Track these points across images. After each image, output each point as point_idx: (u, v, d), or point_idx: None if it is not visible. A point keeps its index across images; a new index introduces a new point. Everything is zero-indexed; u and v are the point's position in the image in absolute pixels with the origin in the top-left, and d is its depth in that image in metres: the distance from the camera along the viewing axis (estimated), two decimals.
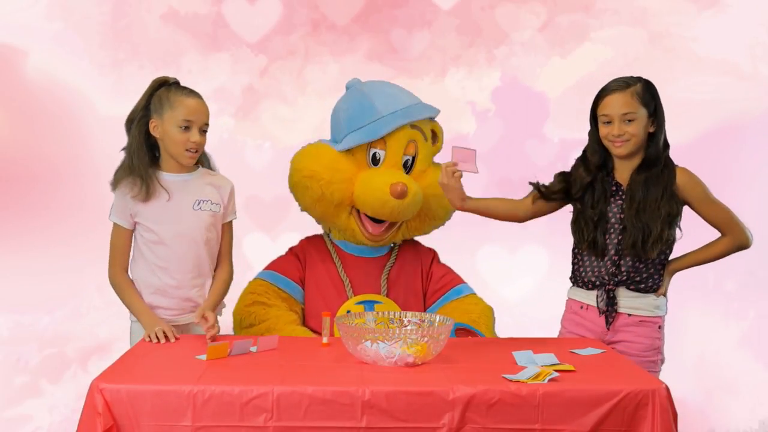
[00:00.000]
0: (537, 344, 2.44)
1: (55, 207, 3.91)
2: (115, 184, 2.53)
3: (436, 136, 2.95)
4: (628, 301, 2.58)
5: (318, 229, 3.01)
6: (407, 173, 2.85)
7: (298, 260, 2.92)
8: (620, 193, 2.58)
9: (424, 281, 2.94)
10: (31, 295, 3.87)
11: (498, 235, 4.00)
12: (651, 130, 2.54)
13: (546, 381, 2.04)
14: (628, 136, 2.51)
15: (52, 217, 3.90)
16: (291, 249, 2.97)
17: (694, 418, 3.71)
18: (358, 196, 2.78)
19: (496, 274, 3.90)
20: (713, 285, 3.98)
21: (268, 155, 4.04)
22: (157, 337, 2.40)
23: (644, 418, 2.00)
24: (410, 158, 2.86)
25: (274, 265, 2.92)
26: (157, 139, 2.54)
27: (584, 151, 2.64)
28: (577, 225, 2.63)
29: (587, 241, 2.59)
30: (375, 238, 2.85)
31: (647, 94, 2.53)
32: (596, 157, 2.60)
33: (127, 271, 2.57)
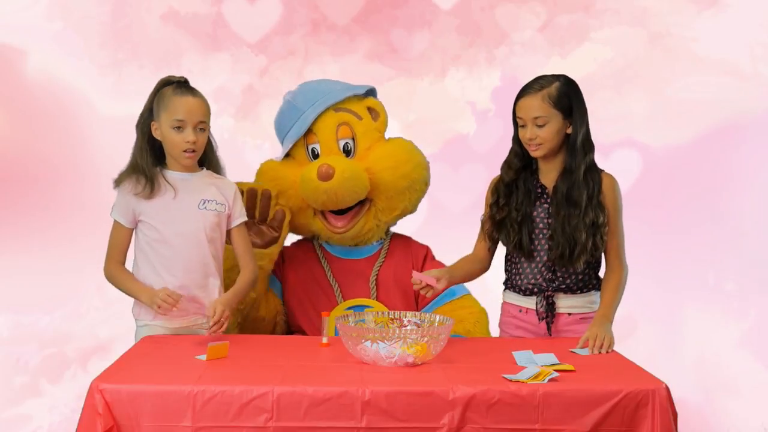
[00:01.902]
0: (537, 344, 2.44)
1: (55, 207, 3.91)
2: (118, 182, 2.53)
3: (375, 112, 2.92)
4: (565, 301, 2.57)
5: None
6: (351, 156, 2.84)
7: (281, 258, 2.92)
8: (545, 196, 2.56)
9: None
10: (31, 295, 3.87)
11: None
12: (568, 131, 2.50)
13: (546, 381, 2.04)
14: (540, 140, 2.48)
15: (52, 217, 3.90)
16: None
17: (694, 418, 3.71)
18: (301, 194, 2.80)
19: (496, 274, 3.89)
20: (713, 285, 3.99)
21: (268, 155, 4.01)
22: (165, 304, 2.40)
23: (644, 418, 2.00)
24: (349, 141, 2.85)
25: None
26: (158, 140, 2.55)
27: (509, 152, 2.62)
28: (502, 226, 2.59)
29: (513, 242, 2.57)
30: (342, 230, 2.83)
31: (562, 96, 2.47)
32: (518, 157, 2.58)
33: (123, 265, 2.56)
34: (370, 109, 2.92)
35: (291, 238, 3.02)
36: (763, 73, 4.03)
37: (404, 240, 2.99)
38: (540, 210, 2.56)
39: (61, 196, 3.91)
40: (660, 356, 3.69)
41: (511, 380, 2.04)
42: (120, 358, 2.25)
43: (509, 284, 2.66)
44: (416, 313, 2.46)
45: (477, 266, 2.68)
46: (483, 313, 2.87)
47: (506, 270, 2.67)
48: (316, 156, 2.84)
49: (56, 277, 3.84)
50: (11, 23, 3.92)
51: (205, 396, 1.95)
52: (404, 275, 2.87)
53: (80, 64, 3.97)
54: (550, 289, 2.56)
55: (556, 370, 2.11)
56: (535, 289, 2.58)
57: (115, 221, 2.55)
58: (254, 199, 2.82)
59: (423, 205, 3.03)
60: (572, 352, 2.36)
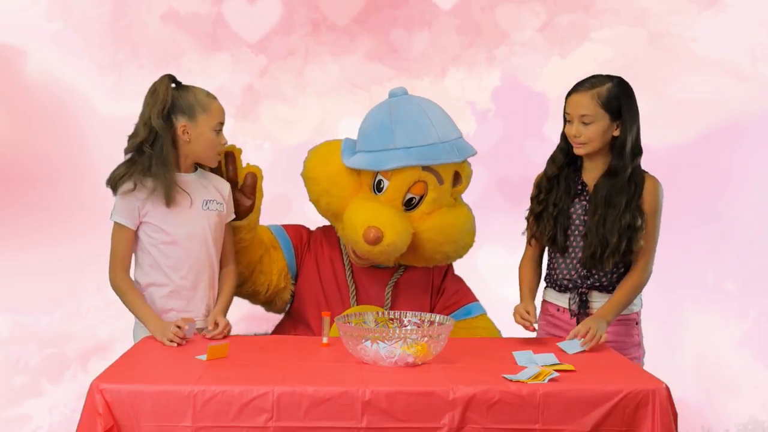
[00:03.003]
0: (537, 344, 2.44)
1: (55, 207, 3.91)
2: (117, 185, 2.49)
3: (459, 179, 2.77)
4: (601, 300, 2.57)
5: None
6: (409, 209, 2.71)
7: (308, 239, 2.87)
8: (585, 193, 2.57)
9: (434, 296, 2.87)
10: (31, 295, 3.87)
11: (498, 235, 4.00)
12: (615, 134, 2.49)
13: (546, 381, 2.04)
14: (585, 138, 2.48)
15: (52, 217, 3.89)
16: (308, 229, 2.93)
17: (694, 418, 3.71)
18: (343, 225, 2.71)
19: (496, 274, 3.89)
20: (713, 285, 3.99)
21: (268, 155, 4.03)
22: (177, 338, 2.38)
23: (644, 418, 2.00)
24: (416, 198, 2.70)
25: (285, 225, 2.90)
26: (179, 140, 2.52)
27: (556, 147, 2.63)
28: (539, 220, 2.60)
29: (547, 237, 2.58)
30: (359, 263, 2.78)
31: (612, 98, 2.46)
32: (563, 153, 2.58)
33: (128, 273, 2.54)
34: (456, 174, 2.76)
35: (317, 222, 2.94)
36: (763, 73, 4.03)
37: None
38: (578, 207, 2.57)
39: (61, 196, 3.91)
40: (660, 356, 3.69)
41: (511, 380, 2.04)
42: (120, 358, 2.25)
43: (548, 280, 2.67)
44: (416, 313, 2.45)
45: (538, 269, 2.68)
46: (496, 334, 2.84)
47: (547, 266, 2.68)
48: (380, 188, 2.70)
49: (56, 277, 3.84)
50: (11, 23, 3.92)
51: (206, 396, 1.95)
52: (421, 289, 2.85)
53: (80, 64, 3.97)
54: (584, 286, 2.56)
55: (557, 370, 2.11)
56: (570, 285, 2.59)
57: (117, 224, 2.51)
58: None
59: None
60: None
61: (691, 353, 3.93)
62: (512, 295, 3.90)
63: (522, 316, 2.48)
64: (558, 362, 2.19)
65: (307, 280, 2.84)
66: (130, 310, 2.53)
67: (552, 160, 2.62)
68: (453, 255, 2.83)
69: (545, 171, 2.63)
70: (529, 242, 2.67)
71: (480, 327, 2.82)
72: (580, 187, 2.58)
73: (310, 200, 2.85)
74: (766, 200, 3.97)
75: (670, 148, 3.98)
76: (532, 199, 2.65)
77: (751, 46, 4.04)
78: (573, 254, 2.58)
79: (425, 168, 2.67)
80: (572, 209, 2.57)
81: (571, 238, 2.57)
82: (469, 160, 2.83)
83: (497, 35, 4.12)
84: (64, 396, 3.77)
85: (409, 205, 2.72)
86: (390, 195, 2.69)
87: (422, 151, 2.65)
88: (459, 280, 2.93)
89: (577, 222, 2.57)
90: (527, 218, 2.66)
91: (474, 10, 4.13)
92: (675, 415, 2.04)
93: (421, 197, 2.71)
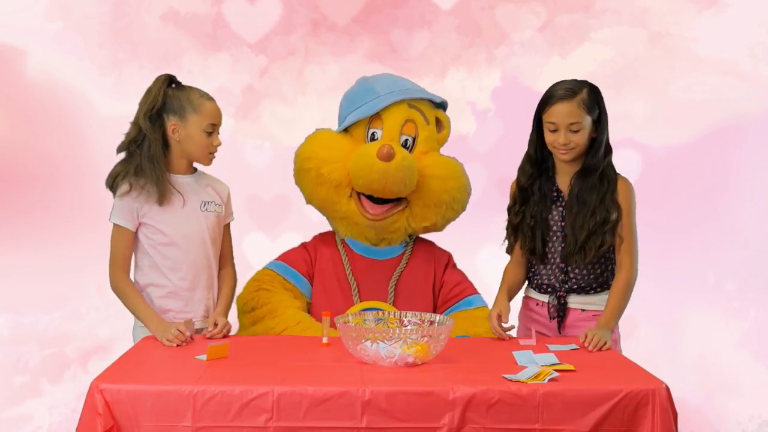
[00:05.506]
0: (537, 344, 2.44)
1: (55, 207, 3.91)
2: (115, 185, 2.49)
3: (441, 124, 2.90)
4: (578, 302, 2.58)
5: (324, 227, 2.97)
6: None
7: (308, 254, 2.88)
8: (560, 200, 2.58)
9: (436, 287, 2.88)
10: (31, 295, 3.87)
11: (498, 235, 4.00)
12: (594, 135, 2.53)
13: (546, 381, 2.04)
14: (573, 144, 2.51)
15: (52, 217, 3.90)
16: (304, 243, 2.94)
17: (694, 418, 3.71)
18: (351, 168, 2.73)
19: (496, 275, 3.89)
20: (713, 285, 3.99)
21: (268, 155, 4.04)
22: (177, 340, 2.37)
23: (644, 418, 2.00)
24: (410, 138, 2.81)
25: (283, 257, 2.90)
26: (170, 140, 2.52)
27: (524, 156, 2.64)
28: (518, 231, 2.62)
29: (527, 248, 2.60)
30: (376, 218, 2.77)
31: (592, 101, 2.51)
32: (531, 162, 2.60)
33: (128, 275, 2.55)
34: (437, 120, 2.89)
35: (302, 232, 2.96)
36: (763, 73, 4.04)
37: (427, 245, 2.95)
38: (555, 213, 2.58)
39: (61, 196, 3.91)
40: (660, 356, 3.70)
41: (511, 380, 2.04)
42: (120, 358, 2.25)
43: (530, 281, 2.69)
44: (416, 313, 2.45)
45: (523, 271, 2.69)
46: None
47: (529, 269, 2.69)
48: (374, 139, 2.80)
49: (56, 277, 3.85)
50: (11, 23, 3.92)
51: (205, 396, 1.95)
52: (423, 281, 2.86)
53: (80, 64, 3.98)
54: (563, 289, 2.57)
55: (556, 370, 2.11)
56: (549, 289, 2.60)
57: (117, 226, 2.51)
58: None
59: None
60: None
61: (691, 353, 3.93)
62: None
63: (494, 328, 2.52)
64: (558, 362, 2.19)
65: (316, 288, 2.86)
66: (131, 311, 2.53)
67: (521, 170, 2.63)
68: (458, 195, 2.84)
69: (517, 181, 2.64)
70: (508, 252, 2.69)
71: (481, 317, 2.81)
72: (555, 194, 2.59)
73: (308, 192, 2.84)
74: (766, 200, 3.98)
75: (670, 148, 3.99)
76: (508, 210, 2.67)
77: (751, 46, 4.05)
78: (552, 260, 2.59)
79: (411, 106, 2.81)
80: (549, 216, 2.59)
81: (549, 245, 2.59)
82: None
83: (497, 35, 4.13)
84: (64, 396, 3.77)
85: (406, 149, 2.80)
86: (386, 137, 2.78)
87: (402, 91, 2.83)
88: (460, 273, 2.94)
89: (554, 228, 2.59)
90: (506, 229, 2.67)
91: (474, 10, 4.13)
92: (675, 415, 2.04)
93: (414, 138, 2.81)
